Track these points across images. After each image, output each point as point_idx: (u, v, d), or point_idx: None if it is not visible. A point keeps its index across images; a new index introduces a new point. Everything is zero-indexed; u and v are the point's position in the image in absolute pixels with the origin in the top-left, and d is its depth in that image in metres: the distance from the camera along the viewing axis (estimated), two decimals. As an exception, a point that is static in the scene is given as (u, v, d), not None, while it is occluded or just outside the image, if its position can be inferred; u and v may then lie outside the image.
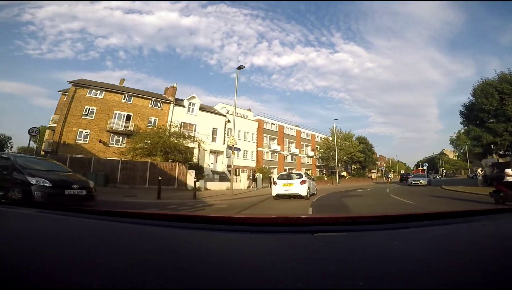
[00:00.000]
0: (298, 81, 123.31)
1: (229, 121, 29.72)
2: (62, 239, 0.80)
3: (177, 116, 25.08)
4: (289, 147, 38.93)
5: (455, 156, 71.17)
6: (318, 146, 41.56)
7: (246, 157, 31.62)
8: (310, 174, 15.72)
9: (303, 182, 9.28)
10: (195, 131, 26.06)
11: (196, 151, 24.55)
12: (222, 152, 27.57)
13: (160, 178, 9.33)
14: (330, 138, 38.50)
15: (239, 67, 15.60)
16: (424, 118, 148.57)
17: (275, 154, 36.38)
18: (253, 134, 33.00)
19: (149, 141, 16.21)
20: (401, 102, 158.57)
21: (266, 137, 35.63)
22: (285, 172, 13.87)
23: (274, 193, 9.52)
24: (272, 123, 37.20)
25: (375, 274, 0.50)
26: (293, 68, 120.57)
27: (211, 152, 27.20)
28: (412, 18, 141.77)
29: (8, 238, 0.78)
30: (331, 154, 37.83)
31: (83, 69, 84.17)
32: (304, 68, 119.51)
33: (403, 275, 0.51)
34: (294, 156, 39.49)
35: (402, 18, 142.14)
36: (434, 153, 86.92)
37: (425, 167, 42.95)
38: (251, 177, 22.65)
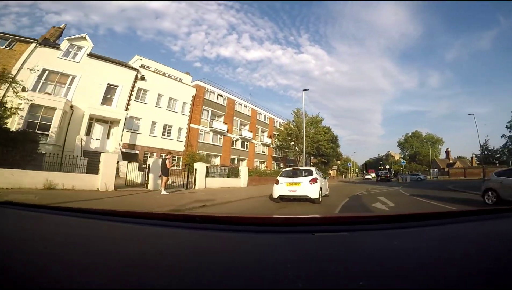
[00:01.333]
0: (261, 76, 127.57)
1: (142, 78, 18.39)
2: (61, 239, 0.79)
3: (43, 61, 14.27)
4: (240, 129, 29.21)
5: (401, 158, 73.33)
6: (276, 133, 32.79)
7: (167, 135, 20.67)
8: (320, 171, 9.49)
9: (314, 180, 7.35)
10: (70, 85, 15.00)
11: (58, 114, 12.84)
12: (118, 122, 16.11)
13: None
14: (292, 124, 30.05)
15: None
16: (370, 124, 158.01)
17: (218, 136, 26.28)
18: (184, 103, 22.35)
19: None
20: (352, 106, 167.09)
21: (207, 111, 25.27)
22: (290, 168, 9.45)
23: (275, 195, 7.59)
24: (219, 95, 26.90)
25: (375, 274, 0.50)
26: (258, 63, 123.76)
27: (98, 120, 15.65)
28: (376, 27, 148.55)
29: (7, 238, 0.78)
30: (292, 142, 29.56)
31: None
32: (269, 64, 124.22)
33: (403, 275, 0.51)
34: (246, 142, 29.99)
35: (367, 25, 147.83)
36: (380, 155, 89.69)
37: (398, 166, 38.45)
38: (146, 165, 11.73)
